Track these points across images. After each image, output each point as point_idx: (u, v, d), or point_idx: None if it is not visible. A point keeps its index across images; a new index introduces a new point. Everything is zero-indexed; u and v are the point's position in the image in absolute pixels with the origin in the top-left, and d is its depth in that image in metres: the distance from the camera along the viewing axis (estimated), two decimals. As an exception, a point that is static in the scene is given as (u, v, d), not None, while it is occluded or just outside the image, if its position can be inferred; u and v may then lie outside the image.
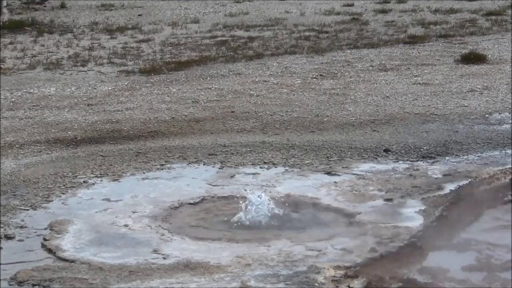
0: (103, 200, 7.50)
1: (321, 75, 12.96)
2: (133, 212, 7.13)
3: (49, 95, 11.96)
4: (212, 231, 6.73)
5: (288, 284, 5.73)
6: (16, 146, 9.32)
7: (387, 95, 11.51)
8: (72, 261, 6.16)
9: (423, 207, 7.15)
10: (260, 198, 6.97)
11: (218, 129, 9.90)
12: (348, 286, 5.69)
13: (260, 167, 8.36)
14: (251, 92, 11.78)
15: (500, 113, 10.41)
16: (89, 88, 12.34)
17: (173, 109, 10.90)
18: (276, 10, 20.81)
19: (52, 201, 7.51)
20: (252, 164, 8.46)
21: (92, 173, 8.25)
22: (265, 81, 12.56)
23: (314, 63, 13.90)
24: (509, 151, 8.72)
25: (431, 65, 13.57)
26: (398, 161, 8.53)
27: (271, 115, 10.50)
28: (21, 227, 6.88)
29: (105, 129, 9.97)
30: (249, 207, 6.95)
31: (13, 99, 11.69)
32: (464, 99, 11.18)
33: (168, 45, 16.03)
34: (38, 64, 14.26)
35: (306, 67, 13.58)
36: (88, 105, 11.26)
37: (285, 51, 15.01)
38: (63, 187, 7.86)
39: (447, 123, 9.97)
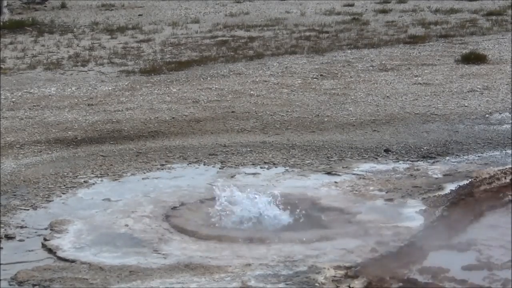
0: (103, 200, 7.50)
1: (321, 75, 12.96)
2: (134, 212, 7.13)
3: (50, 95, 11.96)
4: (212, 231, 6.73)
5: (288, 284, 5.72)
6: (17, 146, 9.32)
7: (387, 95, 11.52)
8: (73, 261, 6.16)
9: (423, 207, 7.15)
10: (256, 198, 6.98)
11: (219, 129, 9.90)
12: (349, 286, 5.69)
13: (261, 167, 8.36)
14: (251, 92, 11.78)
15: (500, 113, 10.41)
16: (90, 88, 12.35)
17: (173, 109, 10.91)
18: (277, 10, 20.82)
19: (53, 201, 7.51)
20: (253, 164, 8.46)
21: (92, 173, 8.25)
22: (266, 81, 12.56)
23: (315, 63, 13.91)
24: (509, 151, 8.72)
25: (431, 65, 13.57)
26: (398, 161, 8.53)
27: (271, 115, 10.50)
28: (22, 227, 6.88)
29: (105, 129, 9.97)
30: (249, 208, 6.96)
31: (14, 99, 11.69)
32: (465, 99, 11.18)
33: (168, 45, 16.04)
34: (39, 64, 14.27)
35: (306, 67, 13.58)
36: (88, 105, 11.26)
37: (285, 51, 15.01)
38: (64, 187, 7.86)
39: (448, 123, 9.97)
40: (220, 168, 8.36)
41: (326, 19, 19.04)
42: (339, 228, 6.76)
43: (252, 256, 6.19)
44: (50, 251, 6.38)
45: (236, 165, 8.43)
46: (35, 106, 11.27)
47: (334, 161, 8.55)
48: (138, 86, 12.36)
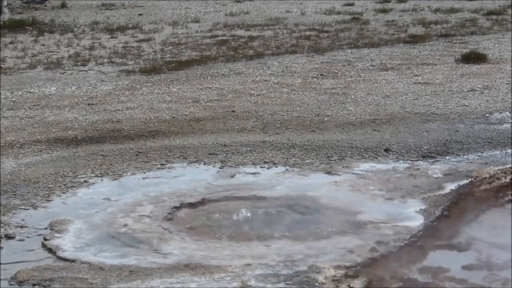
0: (103, 199, 7.50)
1: (321, 74, 12.96)
2: (134, 212, 7.13)
3: (50, 94, 11.96)
4: (212, 231, 6.73)
5: (288, 284, 5.72)
6: (17, 145, 9.32)
7: (387, 94, 11.51)
8: (73, 260, 6.16)
9: (423, 207, 7.14)
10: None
11: (219, 128, 9.90)
12: (349, 285, 5.69)
13: (261, 167, 8.36)
14: (251, 92, 11.78)
15: (500, 113, 10.41)
16: (90, 87, 12.35)
17: (173, 108, 10.91)
18: (277, 10, 20.83)
19: (53, 200, 7.51)
20: (253, 164, 8.45)
21: (92, 173, 8.25)
22: (266, 80, 12.56)
23: (315, 62, 13.90)
24: (509, 151, 8.72)
25: (431, 64, 13.57)
26: (398, 161, 8.53)
27: (271, 114, 10.50)
28: (22, 226, 6.88)
29: (105, 129, 9.97)
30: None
31: (14, 99, 11.69)
32: (465, 99, 11.18)
33: (168, 45, 16.04)
34: (39, 63, 14.27)
35: (306, 66, 13.58)
36: (88, 104, 11.26)
37: (285, 50, 15.01)
38: (64, 186, 7.86)
39: (448, 123, 9.97)
40: (220, 168, 8.36)
41: (326, 18, 19.04)
42: (339, 228, 6.76)
43: (252, 255, 6.20)
44: (50, 250, 6.38)
45: (236, 165, 8.43)
46: (35, 105, 11.26)
47: (334, 160, 8.54)
48: (138, 86, 12.36)
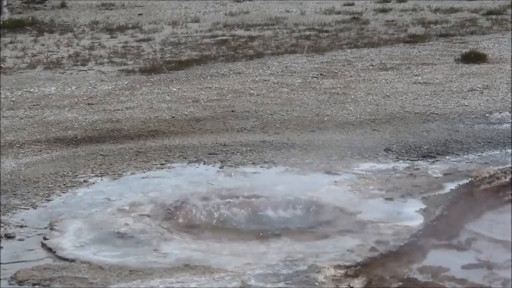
0: (103, 199, 7.49)
1: (321, 74, 12.95)
2: (133, 211, 7.13)
3: (50, 94, 11.96)
4: (212, 230, 6.73)
5: (288, 284, 5.72)
6: (17, 145, 9.32)
7: (387, 94, 11.51)
8: (72, 260, 6.16)
9: (423, 206, 7.15)
10: None
11: (219, 128, 9.90)
12: (349, 285, 5.69)
13: (261, 166, 8.36)
14: (251, 92, 11.78)
15: (500, 112, 10.41)
16: (90, 87, 12.35)
17: (173, 108, 10.90)
18: (277, 10, 20.81)
19: (52, 200, 7.51)
20: (253, 164, 8.45)
21: (92, 172, 8.25)
22: (266, 80, 12.55)
23: (315, 62, 13.90)
24: (509, 151, 8.72)
25: (431, 64, 13.57)
26: (398, 161, 8.53)
27: (271, 114, 10.50)
28: (21, 226, 6.88)
29: (105, 129, 9.97)
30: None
31: (14, 99, 11.69)
32: (465, 99, 11.18)
33: (168, 45, 16.04)
34: (39, 63, 14.27)
35: (306, 66, 13.58)
36: (88, 104, 11.26)
37: (285, 50, 15.01)
38: (63, 186, 7.86)
39: (448, 123, 9.97)
40: (220, 168, 8.36)
41: (326, 18, 19.04)
42: (339, 227, 6.76)
43: (252, 255, 6.19)
44: (50, 250, 6.38)
45: (236, 164, 8.42)
46: (35, 105, 11.26)
47: (334, 160, 8.54)
48: (138, 86, 12.36)
